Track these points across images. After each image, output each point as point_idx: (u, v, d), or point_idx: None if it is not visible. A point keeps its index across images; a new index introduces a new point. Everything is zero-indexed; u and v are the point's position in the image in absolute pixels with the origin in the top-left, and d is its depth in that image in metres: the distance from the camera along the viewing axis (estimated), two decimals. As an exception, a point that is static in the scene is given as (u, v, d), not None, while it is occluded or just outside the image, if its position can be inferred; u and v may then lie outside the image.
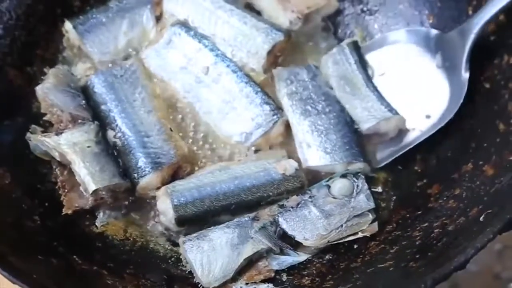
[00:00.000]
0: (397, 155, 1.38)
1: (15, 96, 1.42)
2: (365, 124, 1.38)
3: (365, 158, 1.37)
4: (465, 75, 1.36)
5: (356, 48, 1.49)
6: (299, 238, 1.24)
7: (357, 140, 1.39)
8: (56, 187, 1.32)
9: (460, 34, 1.37)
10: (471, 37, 1.34)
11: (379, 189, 1.36)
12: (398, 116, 1.38)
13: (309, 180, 1.35)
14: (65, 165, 1.32)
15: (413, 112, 1.41)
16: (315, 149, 1.36)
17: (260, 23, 1.49)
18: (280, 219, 1.25)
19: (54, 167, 1.33)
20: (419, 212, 1.26)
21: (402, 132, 1.41)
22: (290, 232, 1.25)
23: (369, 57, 1.50)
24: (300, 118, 1.39)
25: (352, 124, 1.40)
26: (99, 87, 1.40)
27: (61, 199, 1.30)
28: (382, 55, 1.50)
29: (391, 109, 1.39)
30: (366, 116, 1.39)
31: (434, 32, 1.44)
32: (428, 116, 1.40)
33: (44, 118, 1.39)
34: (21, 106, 1.42)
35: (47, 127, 1.39)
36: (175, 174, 1.35)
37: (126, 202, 1.33)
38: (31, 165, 1.34)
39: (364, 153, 1.38)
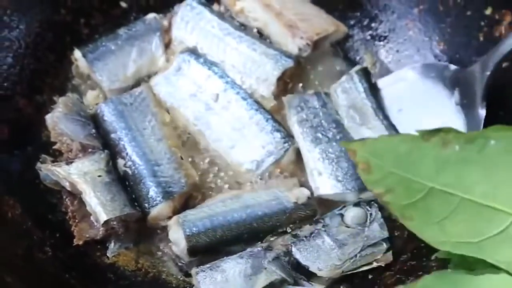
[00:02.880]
0: None
1: (24, 125, 1.41)
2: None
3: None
4: (482, 112, 1.33)
5: (365, 74, 1.49)
6: (313, 268, 1.23)
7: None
8: (67, 217, 1.31)
9: (477, 70, 1.35)
10: (487, 75, 1.32)
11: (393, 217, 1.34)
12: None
13: (320, 208, 1.34)
14: (75, 195, 1.30)
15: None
16: (326, 177, 1.36)
17: (270, 49, 1.49)
18: (294, 249, 1.24)
19: (64, 197, 1.32)
20: (434, 241, 1.24)
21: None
22: (303, 263, 1.23)
23: (386, 92, 1.49)
24: (310, 145, 1.39)
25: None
26: (108, 115, 1.40)
27: (72, 229, 1.28)
28: (399, 91, 1.48)
29: (398, 134, 1.38)
30: None
31: (452, 67, 1.42)
32: None
33: (54, 147, 1.37)
34: (30, 135, 1.41)
35: (57, 156, 1.38)
36: (186, 203, 1.34)
37: (137, 232, 1.30)
38: (41, 195, 1.33)
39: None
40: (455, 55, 1.46)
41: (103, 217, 1.23)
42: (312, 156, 1.38)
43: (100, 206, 1.24)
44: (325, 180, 1.36)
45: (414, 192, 0.98)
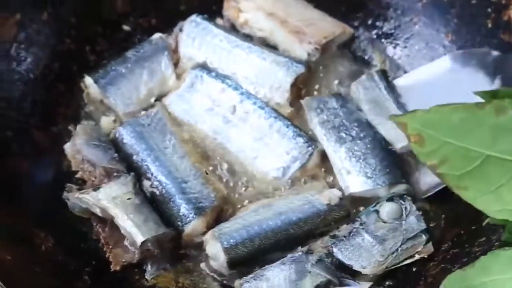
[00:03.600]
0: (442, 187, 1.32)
1: (44, 157, 1.39)
2: (399, 143, 1.37)
3: (407, 180, 1.35)
4: None
5: (385, 76, 1.48)
6: (356, 267, 1.21)
7: (396, 163, 1.37)
8: (100, 244, 1.29)
9: None
10: None
11: (427, 207, 1.34)
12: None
13: (352, 207, 1.34)
14: (105, 221, 1.28)
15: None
16: (355, 174, 1.35)
17: (280, 57, 1.49)
18: (335, 250, 1.23)
19: (94, 224, 1.30)
20: (473, 227, 1.23)
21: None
22: (347, 262, 1.22)
23: (413, 87, 1.47)
24: (335, 145, 1.38)
25: (388, 147, 1.38)
26: (128, 138, 1.38)
27: (107, 256, 1.26)
28: (438, 81, 1.45)
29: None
30: (400, 135, 1.36)
31: (494, 53, 1.40)
32: None
33: (76, 176, 1.36)
34: (51, 166, 1.39)
35: (80, 185, 1.35)
36: (218, 217, 1.32)
37: (172, 252, 1.28)
38: (71, 225, 1.31)
39: (405, 175, 1.36)
40: (465, 44, 1.47)
41: (140, 239, 1.21)
42: (339, 156, 1.37)
43: (135, 228, 1.22)
44: (354, 178, 1.35)
45: (469, 161, 0.97)
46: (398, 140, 1.37)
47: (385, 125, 1.40)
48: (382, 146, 1.38)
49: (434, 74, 1.47)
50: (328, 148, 1.39)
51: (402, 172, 1.37)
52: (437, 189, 1.33)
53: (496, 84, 1.37)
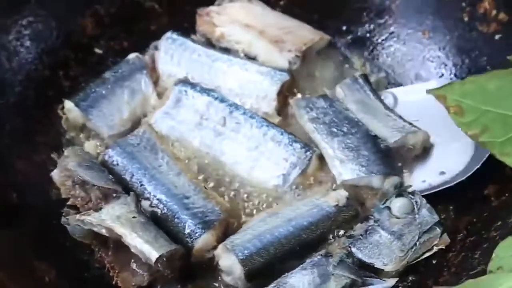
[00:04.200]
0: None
1: (30, 186, 1.31)
2: (392, 138, 1.35)
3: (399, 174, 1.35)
4: None
5: (367, 80, 1.48)
6: (378, 264, 1.18)
7: (389, 158, 1.35)
8: (105, 270, 1.21)
9: None
10: None
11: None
12: (424, 131, 1.37)
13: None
14: (107, 246, 1.21)
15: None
16: (349, 163, 1.32)
17: (262, 67, 1.47)
18: (354, 249, 1.19)
19: (96, 249, 1.22)
20: (485, 214, 1.23)
21: (426, 149, 1.39)
22: (368, 261, 1.18)
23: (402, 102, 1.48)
24: (328, 138, 1.36)
25: (380, 143, 1.36)
26: (119, 159, 1.32)
27: (114, 282, 1.19)
28: (418, 102, 1.43)
29: (415, 126, 1.37)
30: (392, 132, 1.36)
31: None
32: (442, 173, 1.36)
33: (68, 203, 1.28)
34: (39, 196, 1.31)
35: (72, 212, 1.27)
36: (225, 231, 1.26)
37: (183, 271, 1.22)
38: (70, 254, 1.24)
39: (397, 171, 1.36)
40: (444, 38, 1.48)
41: (155, 254, 1.13)
42: (331, 146, 1.35)
43: (148, 244, 1.14)
44: (348, 166, 1.32)
45: (510, 127, 0.96)
46: (391, 136, 1.36)
47: (375, 123, 1.39)
48: (374, 142, 1.36)
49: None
50: (320, 141, 1.36)
51: (395, 168, 1.36)
52: (428, 192, 1.32)
53: None
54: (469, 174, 1.29)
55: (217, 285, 1.23)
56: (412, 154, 1.38)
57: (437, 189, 1.32)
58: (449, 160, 1.36)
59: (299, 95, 1.49)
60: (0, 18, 1.42)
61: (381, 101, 1.45)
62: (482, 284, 0.96)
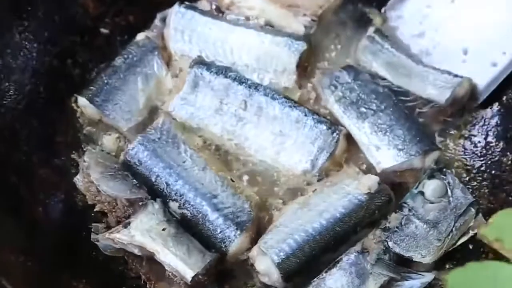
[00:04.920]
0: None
1: (55, 196, 1.28)
2: (443, 97, 1.30)
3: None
4: None
5: (384, 35, 1.41)
6: (416, 258, 1.18)
7: (423, 130, 1.32)
8: (141, 282, 1.21)
9: None
10: None
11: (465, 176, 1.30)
12: (467, 78, 1.32)
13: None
14: (140, 257, 1.20)
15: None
16: (385, 149, 1.29)
17: (277, 37, 1.40)
18: (391, 244, 1.18)
19: (130, 261, 1.22)
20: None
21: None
22: (406, 254, 1.18)
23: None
24: (358, 122, 1.31)
25: (412, 114, 1.33)
26: (142, 158, 1.28)
27: (152, 292, 1.19)
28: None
29: (456, 74, 1.33)
30: (439, 89, 1.32)
31: None
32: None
33: (95, 209, 1.26)
34: (65, 205, 1.29)
35: (100, 218, 1.26)
36: (257, 229, 1.25)
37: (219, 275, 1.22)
38: (106, 267, 1.23)
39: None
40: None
41: (190, 274, 1.13)
42: (364, 132, 1.31)
43: (182, 262, 1.14)
44: (385, 153, 1.29)
45: None
46: (440, 93, 1.31)
47: (414, 83, 1.34)
48: (406, 115, 1.32)
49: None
50: (350, 126, 1.32)
51: (432, 139, 1.32)
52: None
53: None
54: None
55: (253, 283, 1.23)
56: (462, 104, 1.35)
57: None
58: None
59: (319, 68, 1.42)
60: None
61: (407, 53, 1.39)
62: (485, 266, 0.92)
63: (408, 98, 1.33)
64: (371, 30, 1.42)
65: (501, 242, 0.89)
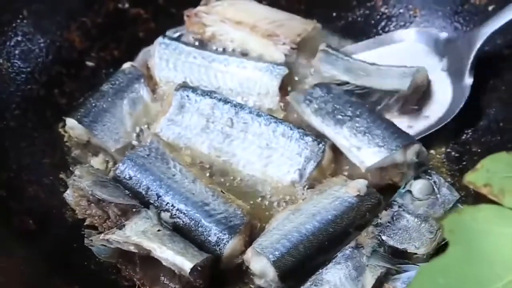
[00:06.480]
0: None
1: (45, 211, 1.28)
2: (405, 83, 1.39)
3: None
4: (468, 80, 1.40)
5: (335, 48, 1.49)
6: (411, 249, 1.19)
7: (400, 128, 1.36)
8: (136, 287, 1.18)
9: (468, 40, 1.41)
10: (477, 45, 1.39)
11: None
12: (421, 67, 1.42)
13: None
14: (135, 262, 1.18)
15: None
16: (366, 148, 1.31)
17: (259, 63, 1.46)
18: (384, 237, 1.19)
19: (123, 268, 1.20)
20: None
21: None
22: (400, 247, 1.19)
23: (376, 53, 1.52)
24: (336, 128, 1.34)
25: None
26: (132, 173, 1.29)
27: (147, 298, 1.17)
28: (389, 52, 1.52)
29: (409, 67, 1.42)
30: (399, 79, 1.40)
31: (443, 36, 1.48)
32: (426, 117, 1.43)
33: (86, 223, 1.25)
34: (54, 221, 1.28)
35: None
36: (251, 234, 1.25)
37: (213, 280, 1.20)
38: (98, 277, 1.21)
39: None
40: (436, 13, 1.49)
41: (189, 265, 1.11)
42: (343, 136, 1.33)
43: (180, 255, 1.12)
44: (367, 151, 1.31)
45: None
46: (402, 84, 1.39)
47: (377, 81, 1.41)
48: (381, 117, 1.37)
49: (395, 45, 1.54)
50: (330, 133, 1.34)
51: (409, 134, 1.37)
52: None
53: (443, 63, 1.46)
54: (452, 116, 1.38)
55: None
56: (421, 93, 1.43)
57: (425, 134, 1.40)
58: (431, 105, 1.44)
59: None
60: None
61: (359, 59, 1.48)
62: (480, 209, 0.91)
63: (374, 99, 1.41)
64: (323, 46, 1.47)
65: (490, 187, 0.91)
